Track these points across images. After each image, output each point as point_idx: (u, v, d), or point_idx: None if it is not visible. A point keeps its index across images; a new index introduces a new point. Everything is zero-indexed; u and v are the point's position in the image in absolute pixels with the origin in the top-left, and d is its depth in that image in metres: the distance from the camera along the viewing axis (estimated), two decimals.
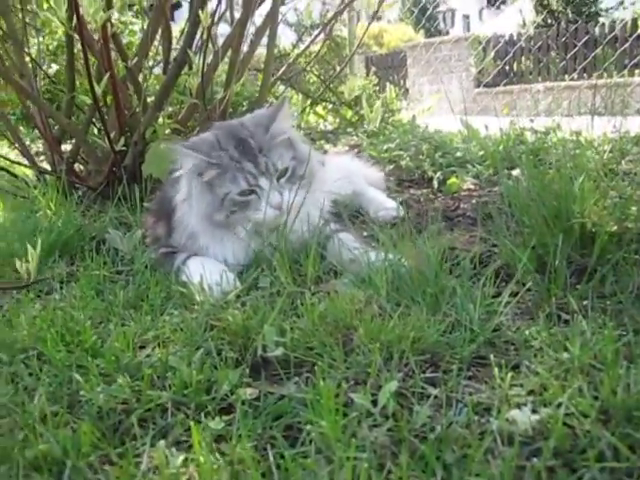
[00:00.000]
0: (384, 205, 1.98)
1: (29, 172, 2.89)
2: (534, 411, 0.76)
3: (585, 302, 1.15)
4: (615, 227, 1.30)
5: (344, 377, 0.89)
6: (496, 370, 0.84)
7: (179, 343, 1.03)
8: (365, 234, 1.77)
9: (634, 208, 1.35)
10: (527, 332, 0.99)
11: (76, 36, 2.02)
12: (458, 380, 0.87)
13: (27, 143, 4.23)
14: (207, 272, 1.29)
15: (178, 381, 0.88)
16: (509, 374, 0.83)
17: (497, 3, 14.16)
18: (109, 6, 2.09)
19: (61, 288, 1.46)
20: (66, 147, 3.33)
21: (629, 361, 0.83)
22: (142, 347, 1.05)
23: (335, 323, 1.04)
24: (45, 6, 2.62)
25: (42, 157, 3.61)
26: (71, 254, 1.76)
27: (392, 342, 0.95)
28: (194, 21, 2.27)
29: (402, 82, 10.81)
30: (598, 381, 0.80)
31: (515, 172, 2.51)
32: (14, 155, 3.66)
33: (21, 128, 4.74)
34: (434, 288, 1.11)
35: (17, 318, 1.18)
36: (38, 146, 4.41)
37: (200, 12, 2.01)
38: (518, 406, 0.78)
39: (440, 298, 1.10)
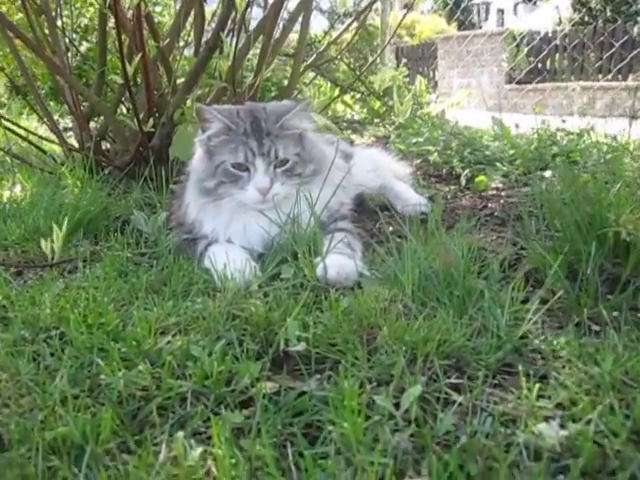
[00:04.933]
0: (412, 200, 1.95)
1: (57, 147, 2.91)
2: (562, 426, 0.73)
3: (616, 314, 1.12)
4: None
5: (367, 377, 0.87)
6: (523, 380, 0.82)
7: (200, 331, 1.02)
8: (391, 229, 1.75)
9: None
10: (556, 342, 0.96)
11: (110, 14, 2.01)
12: (483, 388, 0.85)
13: (56, 118, 4.28)
14: (230, 259, 1.28)
15: (199, 371, 0.87)
16: (536, 385, 0.81)
17: None
18: None
19: (84, 267, 1.47)
20: (95, 124, 3.35)
21: None
22: (163, 333, 1.05)
23: (359, 320, 1.02)
24: None
25: (70, 133, 3.63)
26: (95, 233, 1.77)
27: (417, 344, 0.93)
28: (228, 4, 2.25)
29: (432, 74, 10.67)
30: (630, 399, 0.77)
31: (547, 173, 2.46)
32: (43, 130, 3.70)
33: (51, 103, 4.80)
34: (461, 290, 1.08)
35: (40, 296, 1.18)
36: (67, 122, 4.44)
37: None
38: (546, 419, 0.76)
39: (467, 301, 1.08)
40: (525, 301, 1.12)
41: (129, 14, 2.21)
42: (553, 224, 1.51)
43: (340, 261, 1.25)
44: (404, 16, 3.74)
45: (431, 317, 1.03)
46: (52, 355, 0.95)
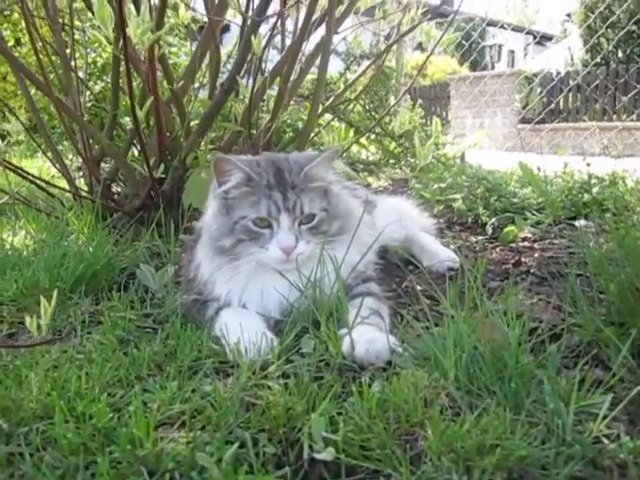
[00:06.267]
0: (440, 255, 1.80)
1: (67, 186, 2.80)
2: None
3: None
4: None
5: None
6: None
7: (209, 426, 0.87)
8: (419, 288, 1.60)
9: None
10: (632, 446, 0.80)
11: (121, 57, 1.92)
12: None
13: (70, 156, 4.21)
14: (244, 331, 1.13)
15: None
16: None
17: (537, 38, 14.02)
18: (159, 27, 1.99)
19: (82, 329, 1.33)
20: (106, 164, 3.26)
21: None
22: (165, 424, 0.89)
23: (396, 416, 0.86)
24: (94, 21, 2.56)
25: (82, 172, 3.54)
26: (98, 289, 1.63)
27: (470, 453, 0.76)
28: (244, 47, 2.16)
29: (445, 114, 10.68)
30: None
31: (578, 223, 2.32)
32: (55, 170, 3.61)
33: (65, 143, 4.75)
34: (515, 377, 0.92)
35: (29, 371, 1.04)
36: (79, 160, 4.37)
37: (252, 38, 1.89)
38: None
39: (522, 389, 0.92)
40: (582, 380, 0.96)
41: (143, 56, 2.13)
42: (605, 286, 1.35)
43: (369, 335, 1.10)
44: (428, 57, 3.63)
45: (481, 412, 0.87)
46: (31, 456, 0.80)
